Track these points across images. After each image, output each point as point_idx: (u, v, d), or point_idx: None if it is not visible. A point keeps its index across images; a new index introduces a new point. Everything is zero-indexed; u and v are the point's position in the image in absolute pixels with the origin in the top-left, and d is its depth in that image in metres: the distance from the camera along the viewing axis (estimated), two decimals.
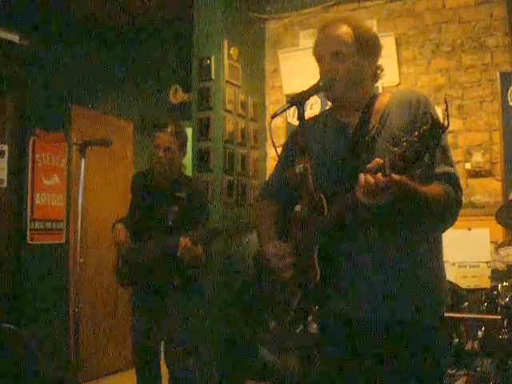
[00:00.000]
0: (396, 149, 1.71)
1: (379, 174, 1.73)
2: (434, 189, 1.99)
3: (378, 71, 2.26)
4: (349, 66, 2.15)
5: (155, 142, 3.69)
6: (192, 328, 3.76)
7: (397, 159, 1.70)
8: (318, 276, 2.04)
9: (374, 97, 2.22)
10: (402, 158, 1.69)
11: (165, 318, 3.73)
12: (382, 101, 2.18)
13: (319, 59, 2.24)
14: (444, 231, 2.18)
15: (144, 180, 3.90)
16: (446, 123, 1.67)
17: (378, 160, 1.75)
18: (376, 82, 2.29)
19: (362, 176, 1.77)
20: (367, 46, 2.18)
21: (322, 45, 2.23)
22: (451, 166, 2.09)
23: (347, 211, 1.97)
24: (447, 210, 2.05)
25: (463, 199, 2.10)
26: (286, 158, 2.37)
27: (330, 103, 2.34)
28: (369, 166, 1.77)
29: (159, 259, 3.60)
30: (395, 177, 1.72)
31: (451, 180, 2.05)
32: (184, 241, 3.39)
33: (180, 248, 3.40)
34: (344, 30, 2.18)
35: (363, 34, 2.19)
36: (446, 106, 1.72)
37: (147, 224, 3.74)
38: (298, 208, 2.19)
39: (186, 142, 3.83)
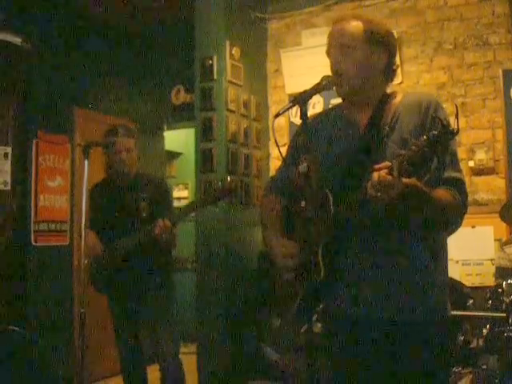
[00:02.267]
0: (404, 152, 1.71)
1: (383, 173, 1.73)
2: (442, 193, 1.98)
3: (393, 68, 2.23)
4: (356, 58, 2.13)
5: (115, 147, 3.80)
6: (176, 322, 3.96)
7: (405, 163, 1.70)
8: (323, 275, 2.04)
9: (386, 96, 2.21)
10: (409, 161, 1.69)
11: (149, 319, 3.88)
12: (394, 101, 2.17)
13: (328, 54, 2.22)
14: (449, 235, 2.17)
15: (105, 188, 4.01)
16: (455, 129, 1.66)
17: (387, 163, 1.75)
18: (390, 80, 2.26)
19: (375, 174, 1.77)
20: (376, 39, 2.15)
21: (330, 39, 2.22)
22: (459, 171, 2.08)
23: (353, 210, 1.97)
24: (454, 215, 2.05)
25: (468, 202, 2.10)
26: (292, 155, 2.36)
27: (332, 102, 2.33)
28: (377, 166, 1.77)
29: (138, 255, 3.70)
30: (405, 180, 1.72)
31: (458, 186, 2.05)
32: (161, 221, 3.52)
33: (158, 228, 3.52)
34: (353, 23, 2.17)
35: (373, 28, 2.16)
36: (457, 111, 1.72)
37: (116, 227, 3.81)
38: (303, 204, 2.18)
39: (137, 138, 4.01)
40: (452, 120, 1.70)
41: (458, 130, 1.67)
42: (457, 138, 2.12)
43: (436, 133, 1.66)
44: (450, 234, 2.15)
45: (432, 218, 1.99)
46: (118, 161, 3.84)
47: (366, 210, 1.95)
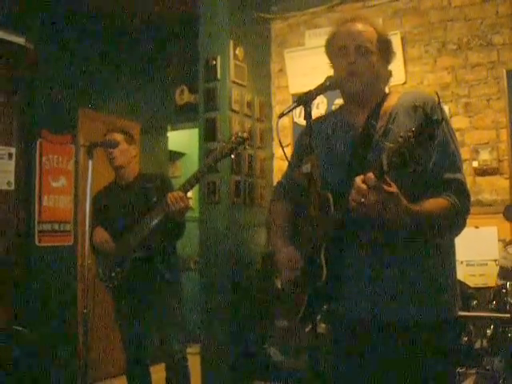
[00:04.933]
0: (392, 145, 1.72)
1: (370, 174, 1.73)
2: (436, 204, 1.97)
3: (390, 74, 2.27)
4: (372, 62, 2.15)
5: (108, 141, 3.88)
6: (183, 320, 3.97)
7: (392, 155, 1.71)
8: (325, 276, 2.04)
9: (385, 96, 2.22)
10: (397, 153, 1.70)
11: (157, 317, 3.89)
12: (391, 101, 2.18)
13: (340, 51, 2.21)
14: (452, 238, 2.16)
15: (108, 191, 4.07)
16: (439, 118, 1.68)
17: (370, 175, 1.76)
18: (386, 85, 2.30)
19: (357, 179, 1.78)
20: (385, 46, 2.20)
21: (346, 37, 2.20)
22: (458, 172, 2.07)
23: (349, 211, 1.97)
24: (450, 222, 2.03)
25: (471, 201, 2.09)
26: (297, 158, 2.37)
27: (336, 102, 2.34)
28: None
29: (147, 251, 3.74)
30: (387, 188, 1.74)
31: (457, 187, 2.03)
32: (171, 194, 3.51)
33: (172, 199, 3.50)
34: (368, 27, 2.19)
35: (383, 35, 2.20)
36: (439, 101, 1.78)
37: (123, 226, 3.82)
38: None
39: (132, 136, 4.07)
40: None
41: (442, 119, 1.69)
42: (455, 132, 2.12)
43: (420, 123, 1.68)
44: (453, 237, 2.15)
45: (422, 230, 1.98)
46: (110, 157, 3.90)
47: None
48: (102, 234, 3.82)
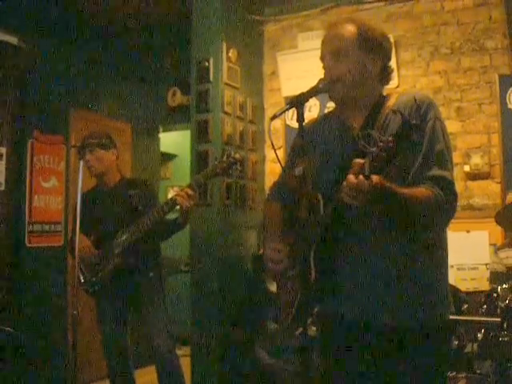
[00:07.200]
0: (373, 149, 1.72)
1: (361, 176, 1.73)
2: (418, 191, 1.96)
3: (388, 72, 2.24)
4: (349, 63, 2.13)
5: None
6: (169, 317, 3.95)
7: (373, 160, 1.71)
8: (313, 277, 2.03)
9: (382, 98, 2.20)
10: (377, 158, 1.70)
11: (142, 317, 3.88)
12: (388, 103, 2.16)
13: (322, 60, 2.22)
14: (438, 232, 2.14)
15: (91, 194, 4.00)
16: (414, 121, 1.69)
17: (359, 161, 1.75)
18: (385, 83, 2.26)
19: (349, 177, 1.78)
20: (370, 44, 2.15)
21: (323, 44, 2.22)
22: (445, 170, 2.04)
23: (337, 211, 1.97)
24: (433, 211, 2.00)
25: (459, 203, 2.07)
26: (291, 160, 2.37)
27: (329, 104, 2.33)
28: (354, 162, 1.78)
29: (132, 252, 3.70)
30: (375, 181, 1.73)
31: (441, 183, 2.01)
32: (184, 190, 3.51)
33: (183, 195, 3.49)
34: (347, 28, 2.16)
35: (367, 32, 2.16)
36: (417, 103, 1.86)
37: (102, 231, 3.81)
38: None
39: (110, 140, 3.95)
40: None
41: (416, 123, 1.70)
42: (442, 137, 2.11)
43: (398, 127, 1.69)
44: (438, 229, 2.13)
45: (407, 215, 1.97)
46: (88, 166, 3.86)
47: (354, 211, 1.95)
48: (83, 241, 3.75)
